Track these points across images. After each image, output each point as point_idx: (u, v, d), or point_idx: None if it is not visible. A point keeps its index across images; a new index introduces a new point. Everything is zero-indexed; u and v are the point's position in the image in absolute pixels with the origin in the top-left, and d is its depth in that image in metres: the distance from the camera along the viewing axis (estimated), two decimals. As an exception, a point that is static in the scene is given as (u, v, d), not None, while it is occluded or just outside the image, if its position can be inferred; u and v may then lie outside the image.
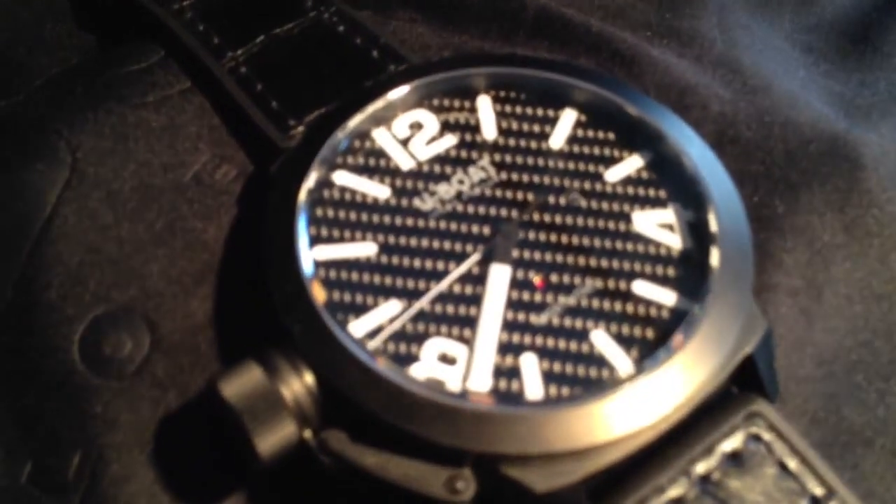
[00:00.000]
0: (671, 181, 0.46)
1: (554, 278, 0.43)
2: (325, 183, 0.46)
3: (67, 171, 0.48)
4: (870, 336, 0.48)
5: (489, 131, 0.48)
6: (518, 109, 0.49)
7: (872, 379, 0.47)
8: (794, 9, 0.63)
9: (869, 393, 0.47)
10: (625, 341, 0.41)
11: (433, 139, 0.48)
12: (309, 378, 0.39)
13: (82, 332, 0.45)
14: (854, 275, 0.49)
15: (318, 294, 0.41)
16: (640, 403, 0.38)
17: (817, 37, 0.61)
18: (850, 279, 0.49)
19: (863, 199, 0.51)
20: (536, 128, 0.48)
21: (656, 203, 0.46)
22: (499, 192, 0.46)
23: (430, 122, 0.48)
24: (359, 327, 0.41)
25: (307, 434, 0.39)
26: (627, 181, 0.46)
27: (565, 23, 0.57)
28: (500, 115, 0.48)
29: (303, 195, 0.44)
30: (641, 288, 0.43)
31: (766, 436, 0.40)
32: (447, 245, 0.44)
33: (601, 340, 0.41)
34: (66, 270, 0.46)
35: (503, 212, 0.45)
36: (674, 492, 0.38)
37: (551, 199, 0.45)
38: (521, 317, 0.42)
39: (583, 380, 0.40)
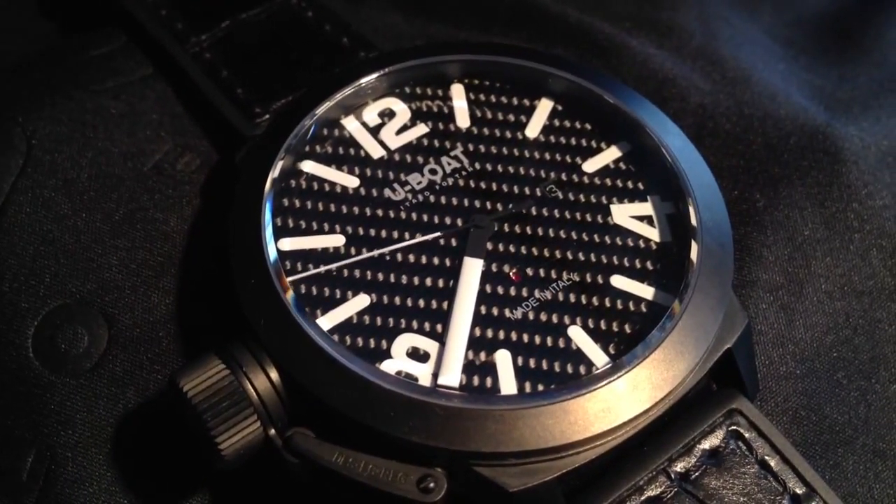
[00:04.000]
0: (650, 173, 0.45)
1: (529, 272, 0.42)
2: (291, 172, 0.44)
3: (22, 159, 0.47)
4: (850, 333, 0.47)
5: (462, 120, 0.47)
6: (493, 98, 0.48)
7: (853, 377, 0.46)
8: (774, 2, 0.62)
9: (850, 391, 0.46)
10: (602, 336, 0.40)
11: (405, 128, 0.46)
12: (274, 374, 0.38)
13: (37, 326, 0.44)
14: (835, 270, 0.48)
15: (284, 287, 0.40)
16: (617, 400, 0.37)
17: (798, 30, 0.61)
18: (830, 275, 0.48)
19: (843, 193, 0.50)
20: (511, 117, 0.47)
21: (635, 195, 0.45)
22: (472, 183, 0.45)
23: (402, 110, 0.47)
24: (326, 321, 0.40)
25: (272, 432, 0.38)
26: (605, 172, 0.45)
27: (542, 12, 0.57)
28: (474, 104, 0.47)
29: (268, 185, 0.43)
30: (619, 282, 0.42)
31: (747, 434, 0.39)
32: (418, 237, 0.42)
33: (578, 335, 0.40)
34: (20, 262, 0.45)
35: (477, 203, 0.44)
36: (652, 491, 0.37)
37: (527, 190, 0.44)
38: (495, 311, 0.41)
39: (558, 376, 0.39)
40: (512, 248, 0.43)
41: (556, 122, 0.47)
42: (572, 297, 0.41)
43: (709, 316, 0.40)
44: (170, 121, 0.50)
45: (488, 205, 0.44)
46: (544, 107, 0.47)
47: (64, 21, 0.59)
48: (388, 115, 0.47)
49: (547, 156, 0.46)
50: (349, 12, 0.53)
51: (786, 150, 0.52)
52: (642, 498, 0.37)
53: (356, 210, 0.43)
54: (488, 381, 0.39)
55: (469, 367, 0.39)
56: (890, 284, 0.49)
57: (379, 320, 0.40)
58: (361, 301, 0.41)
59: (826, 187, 0.50)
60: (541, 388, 0.38)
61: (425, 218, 0.43)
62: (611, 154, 0.46)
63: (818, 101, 0.55)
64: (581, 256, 0.42)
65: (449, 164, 0.45)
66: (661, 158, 0.45)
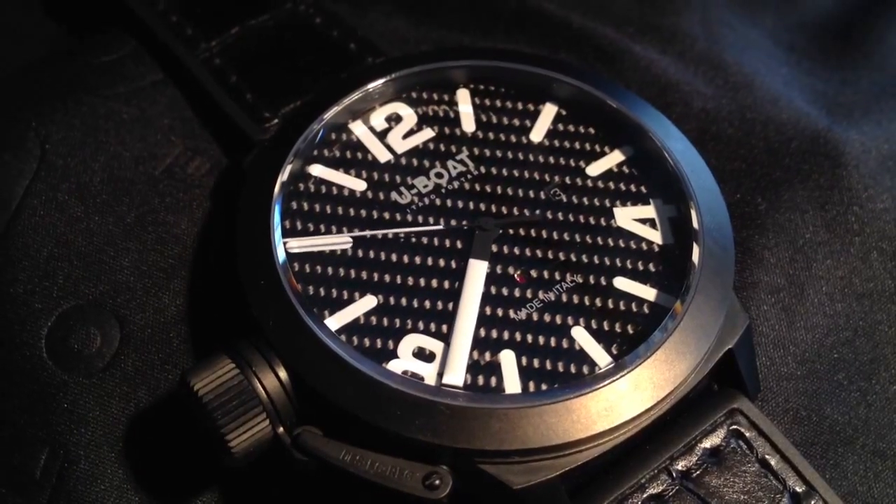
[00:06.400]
0: (653, 177, 0.46)
1: (533, 273, 0.42)
2: (299, 176, 0.45)
3: (36, 163, 0.47)
4: (851, 334, 0.48)
5: (468, 125, 0.47)
6: (498, 103, 0.48)
7: (854, 378, 0.47)
8: (777, 7, 0.63)
9: (850, 392, 0.46)
10: (605, 337, 0.41)
11: (411, 132, 0.47)
12: (283, 373, 0.38)
13: (50, 327, 0.44)
14: (835, 272, 0.49)
15: (293, 288, 0.40)
16: (619, 399, 0.38)
17: (800, 35, 0.61)
18: (831, 277, 0.49)
19: (844, 196, 0.51)
20: (516, 121, 0.48)
21: (638, 198, 0.45)
22: (477, 186, 0.45)
23: (409, 114, 0.48)
24: (334, 322, 0.40)
25: (281, 430, 0.38)
26: (608, 176, 0.46)
27: (546, 18, 0.57)
28: (480, 109, 0.48)
29: (277, 188, 0.43)
30: (622, 283, 0.42)
31: (748, 433, 0.39)
32: (424, 239, 0.43)
33: (581, 336, 0.41)
34: (34, 264, 0.45)
35: (482, 206, 0.44)
36: (654, 489, 0.38)
37: (531, 194, 0.45)
38: (499, 312, 0.41)
39: (562, 375, 0.39)
40: (516, 251, 0.43)
41: (561, 127, 0.47)
42: (576, 299, 0.42)
43: (710, 317, 0.40)
44: (180, 125, 0.50)
45: (493, 208, 0.44)
46: (549, 111, 0.48)
47: (71, 24, 0.60)
48: (394, 119, 0.47)
49: (551, 160, 0.46)
50: (356, 18, 0.54)
51: (787, 154, 0.52)
52: (644, 495, 0.38)
53: (363, 213, 0.44)
54: (493, 381, 0.39)
55: (474, 367, 0.40)
56: (890, 287, 0.49)
57: (385, 321, 0.41)
58: (368, 302, 0.41)
59: (827, 191, 0.51)
60: (544, 387, 0.39)
61: (431, 221, 0.44)
62: (614, 158, 0.46)
63: (820, 106, 0.56)
64: (584, 258, 0.43)
65: (454, 167, 0.46)
66: (663, 162, 0.45)
